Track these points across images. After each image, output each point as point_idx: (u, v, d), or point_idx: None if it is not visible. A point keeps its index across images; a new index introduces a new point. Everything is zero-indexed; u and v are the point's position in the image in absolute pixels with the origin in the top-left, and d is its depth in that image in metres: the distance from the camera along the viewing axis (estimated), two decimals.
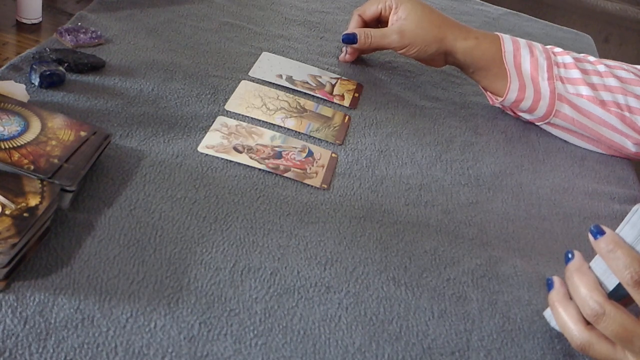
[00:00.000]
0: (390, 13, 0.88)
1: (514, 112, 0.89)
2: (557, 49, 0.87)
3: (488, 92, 0.89)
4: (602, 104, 0.83)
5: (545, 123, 0.87)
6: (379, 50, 0.92)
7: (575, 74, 0.84)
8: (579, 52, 0.89)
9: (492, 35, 0.86)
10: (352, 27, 0.90)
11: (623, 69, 0.85)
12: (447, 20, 0.86)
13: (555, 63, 0.85)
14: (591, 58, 0.87)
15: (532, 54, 0.84)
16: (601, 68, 0.85)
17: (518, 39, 0.86)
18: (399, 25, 0.86)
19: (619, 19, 2.39)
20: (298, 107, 0.79)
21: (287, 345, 0.50)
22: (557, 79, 0.83)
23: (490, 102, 0.89)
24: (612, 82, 0.83)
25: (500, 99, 0.86)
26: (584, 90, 0.83)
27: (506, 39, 0.85)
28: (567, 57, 0.86)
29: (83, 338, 0.46)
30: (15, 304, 0.47)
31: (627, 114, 0.83)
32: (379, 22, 0.91)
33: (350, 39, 0.88)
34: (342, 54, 0.92)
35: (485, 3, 1.31)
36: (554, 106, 0.84)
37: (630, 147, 0.85)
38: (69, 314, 0.47)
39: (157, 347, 0.47)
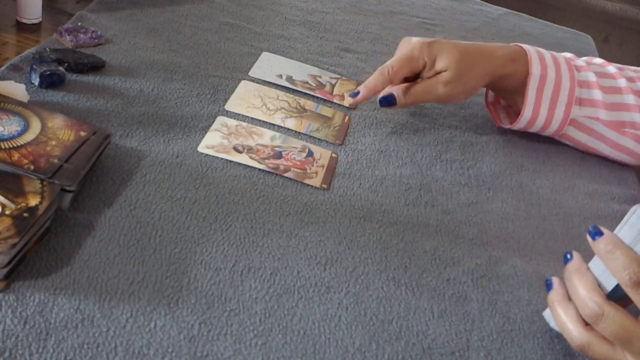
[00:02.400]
0: (426, 68, 0.79)
1: None
2: (580, 62, 0.82)
3: (493, 114, 0.87)
4: (619, 126, 0.80)
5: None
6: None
7: (596, 94, 0.80)
8: (579, 52, 0.89)
9: (518, 54, 0.80)
10: (378, 85, 0.78)
11: None
12: (481, 53, 0.79)
13: (579, 83, 0.80)
14: (611, 69, 0.83)
15: (557, 77, 0.79)
16: (622, 83, 0.81)
17: (544, 54, 0.80)
18: (443, 80, 0.78)
19: (619, 19, 2.39)
20: (298, 107, 0.79)
21: (287, 345, 0.50)
22: (576, 102, 0.79)
23: (496, 124, 0.87)
24: (631, 99, 0.80)
25: (509, 126, 0.84)
26: (603, 115, 0.80)
27: (534, 61, 0.79)
28: (590, 74, 0.81)
29: (83, 338, 0.46)
30: (15, 304, 0.47)
31: None
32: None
33: (389, 101, 0.79)
34: (351, 100, 0.80)
35: (485, 3, 1.31)
36: (563, 130, 0.82)
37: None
38: (69, 314, 0.47)
39: (157, 347, 0.47)
